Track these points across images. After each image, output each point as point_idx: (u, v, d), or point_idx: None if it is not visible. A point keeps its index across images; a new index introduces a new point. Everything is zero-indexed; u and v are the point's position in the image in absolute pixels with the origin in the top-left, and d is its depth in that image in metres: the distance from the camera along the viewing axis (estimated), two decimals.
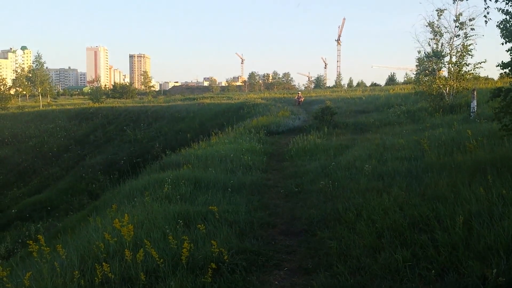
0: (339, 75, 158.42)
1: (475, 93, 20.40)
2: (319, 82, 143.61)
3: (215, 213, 8.76)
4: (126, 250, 6.62)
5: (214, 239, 7.13)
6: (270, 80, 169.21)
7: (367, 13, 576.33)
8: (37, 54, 75.71)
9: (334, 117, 25.16)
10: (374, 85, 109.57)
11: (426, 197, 8.59)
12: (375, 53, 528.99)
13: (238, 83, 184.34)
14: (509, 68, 10.04)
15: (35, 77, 74.44)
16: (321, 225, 8.61)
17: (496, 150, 10.89)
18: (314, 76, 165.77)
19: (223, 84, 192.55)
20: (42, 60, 75.07)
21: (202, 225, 7.83)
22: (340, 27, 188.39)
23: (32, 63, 78.85)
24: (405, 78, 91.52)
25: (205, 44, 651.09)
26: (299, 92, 59.49)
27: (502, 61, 10.18)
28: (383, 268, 6.20)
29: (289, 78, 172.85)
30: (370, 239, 7.15)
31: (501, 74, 24.05)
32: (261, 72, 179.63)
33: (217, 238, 7.47)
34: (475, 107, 20.06)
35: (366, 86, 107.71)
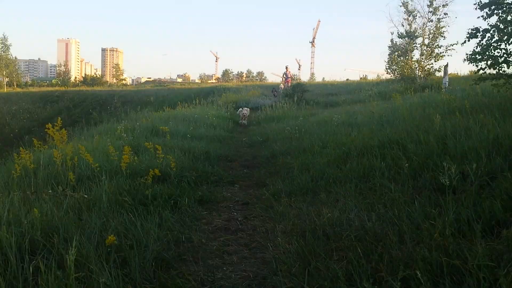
0: (312, 75, 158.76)
1: (447, 68, 20.05)
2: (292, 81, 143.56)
3: (167, 142, 7.94)
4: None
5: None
6: (244, 78, 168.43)
7: (341, 17, 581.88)
8: (2, 36, 72.55)
9: (305, 95, 24.48)
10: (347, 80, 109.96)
11: (397, 128, 7.94)
12: (348, 56, 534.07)
13: (212, 81, 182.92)
14: (474, 59, 9.60)
15: (0, 60, 71.33)
16: (284, 155, 7.88)
17: (469, 98, 10.36)
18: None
19: (197, 81, 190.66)
20: (8, 43, 72.12)
21: (152, 150, 7.00)
22: (315, 29, 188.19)
23: None
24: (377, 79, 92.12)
25: (179, 41, 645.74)
26: (287, 67, 30.58)
27: (467, 53, 9.75)
28: (348, 175, 5.50)
29: (263, 77, 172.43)
30: (335, 153, 6.44)
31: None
32: (235, 71, 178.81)
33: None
34: (447, 82, 19.69)
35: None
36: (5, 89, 69.81)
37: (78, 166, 6.00)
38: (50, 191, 5.04)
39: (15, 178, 5.26)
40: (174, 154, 7.24)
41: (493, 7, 8.99)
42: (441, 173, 4.47)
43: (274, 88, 30.73)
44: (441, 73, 22.38)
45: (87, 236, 3.56)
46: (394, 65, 25.75)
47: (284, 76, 30.64)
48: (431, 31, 24.24)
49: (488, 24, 9.33)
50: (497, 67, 9.32)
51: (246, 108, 18.21)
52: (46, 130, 6.56)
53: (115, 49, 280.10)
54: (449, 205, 3.73)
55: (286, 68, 30.66)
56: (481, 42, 9.43)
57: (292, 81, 29.92)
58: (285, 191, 5.39)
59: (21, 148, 5.95)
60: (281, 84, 31.17)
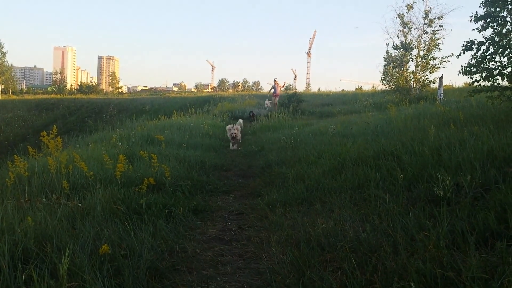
0: (308, 85, 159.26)
1: (442, 80, 20.18)
2: (288, 91, 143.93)
3: (162, 151, 7.93)
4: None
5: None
6: (240, 87, 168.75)
7: (337, 29, 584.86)
8: None
9: (301, 105, 24.56)
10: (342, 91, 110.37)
11: (392, 139, 7.96)
12: (344, 67, 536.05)
13: (208, 90, 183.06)
14: (469, 72, 9.70)
15: None
16: (280, 165, 7.87)
17: (464, 110, 10.42)
18: (283, 86, 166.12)
19: (193, 90, 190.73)
20: (4, 50, 71.95)
21: (147, 158, 6.99)
22: (311, 39, 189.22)
23: None
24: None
25: (176, 50, 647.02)
26: (275, 80, 26.22)
27: (462, 66, 9.84)
28: (343, 185, 5.50)
29: (259, 87, 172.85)
30: (330, 164, 6.45)
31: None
32: (231, 80, 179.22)
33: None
34: (442, 94, 19.81)
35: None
36: (1, 97, 69.63)
37: (73, 174, 5.98)
38: (44, 199, 5.02)
39: (9, 186, 5.24)
40: (169, 163, 7.22)
41: (488, 20, 9.08)
42: (436, 184, 4.50)
43: (251, 111, 22.92)
44: (436, 85, 22.51)
45: (81, 245, 3.54)
46: (389, 76, 25.84)
47: (273, 90, 26.08)
48: (426, 43, 24.40)
49: (483, 36, 9.42)
50: (492, 80, 9.39)
51: (236, 126, 13.09)
52: (41, 138, 6.54)
53: (111, 57, 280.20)
54: (443, 217, 3.74)
55: (275, 81, 26.07)
56: (476, 54, 9.51)
57: (288, 91, 29.66)
58: (280, 201, 5.39)
59: (15, 155, 5.93)
60: (267, 100, 27.29)
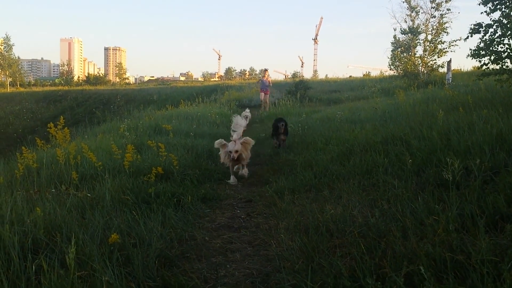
0: (315, 72, 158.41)
1: (450, 64, 20.01)
2: (295, 78, 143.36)
3: (170, 140, 7.94)
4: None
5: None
6: (247, 76, 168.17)
7: (344, 14, 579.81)
8: (5, 36, 72.47)
9: (308, 92, 24.44)
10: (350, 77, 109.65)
11: (401, 124, 7.90)
12: (351, 53, 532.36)
13: (215, 79, 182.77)
14: (477, 55, 9.55)
15: (3, 60, 71.33)
16: (287, 152, 7.86)
17: (473, 94, 10.32)
18: (290, 74, 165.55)
19: (199, 79, 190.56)
20: (11, 43, 72.15)
21: (155, 148, 7.01)
22: (317, 26, 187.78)
23: (0, 45, 75.03)
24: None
25: (182, 40, 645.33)
26: (266, 72, 22.49)
27: (470, 49, 9.68)
28: (352, 171, 5.48)
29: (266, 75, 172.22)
30: (338, 150, 6.42)
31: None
32: (238, 69, 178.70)
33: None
34: (450, 78, 19.64)
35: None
36: (9, 89, 69.94)
37: (81, 165, 6.01)
38: (53, 190, 5.05)
39: (18, 178, 5.28)
40: (177, 152, 7.24)
41: (496, 2, 8.94)
42: (445, 168, 4.45)
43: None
44: (444, 69, 22.32)
45: (90, 235, 3.56)
46: (397, 61, 25.65)
47: (260, 82, 21.45)
48: (434, 27, 24.17)
49: (491, 19, 9.29)
50: (500, 62, 9.28)
51: (239, 132, 7.62)
52: (48, 129, 6.58)
53: (118, 48, 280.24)
54: (452, 201, 3.71)
55: (265, 72, 22.16)
56: (484, 37, 9.38)
57: (295, 78, 29.25)
58: (288, 188, 5.38)
59: (23, 147, 5.96)
60: (262, 94, 20.76)
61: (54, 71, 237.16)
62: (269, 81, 21.43)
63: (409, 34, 24.57)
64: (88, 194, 4.82)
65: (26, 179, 5.53)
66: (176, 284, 3.03)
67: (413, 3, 24.33)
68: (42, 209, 3.86)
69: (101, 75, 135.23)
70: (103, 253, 3.21)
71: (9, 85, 73.66)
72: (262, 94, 20.66)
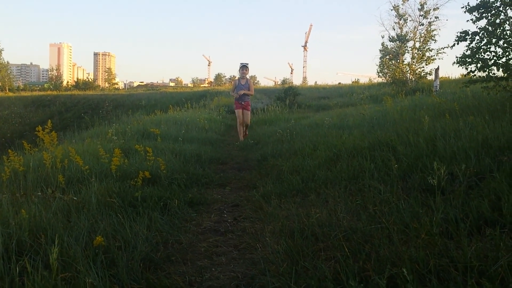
0: (304, 78, 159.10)
1: (438, 72, 20.22)
2: (284, 85, 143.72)
3: (158, 145, 7.92)
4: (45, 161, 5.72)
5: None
6: None
7: (333, 22, 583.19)
8: None
9: (297, 98, 24.56)
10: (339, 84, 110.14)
11: (388, 131, 7.97)
12: (341, 60, 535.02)
13: (205, 85, 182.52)
14: (463, 62, 9.64)
15: None
16: (275, 157, 7.88)
17: (460, 101, 10.44)
18: (280, 80, 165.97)
19: (189, 85, 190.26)
20: (0, 47, 71.58)
21: (142, 152, 6.99)
22: (307, 33, 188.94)
23: None
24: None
25: (172, 46, 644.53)
26: (245, 70, 12.47)
27: (457, 56, 9.76)
28: (338, 176, 5.51)
29: (256, 81, 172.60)
30: (326, 155, 6.46)
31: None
32: (228, 75, 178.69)
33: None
34: (438, 85, 19.85)
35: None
36: None
37: (68, 168, 5.98)
38: (39, 193, 5.01)
39: (4, 181, 5.24)
40: (165, 157, 7.23)
41: (481, 10, 9.07)
42: (430, 174, 4.51)
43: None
44: (432, 76, 22.55)
45: (75, 237, 3.54)
46: (385, 68, 25.89)
47: (236, 87, 12.78)
48: (422, 34, 24.47)
49: (477, 27, 9.41)
50: (487, 70, 9.39)
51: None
52: (36, 132, 6.54)
53: (107, 53, 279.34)
54: (437, 205, 3.75)
55: (244, 70, 12.63)
56: (471, 45, 9.49)
57: (284, 85, 29.59)
58: (275, 193, 5.39)
59: (9, 150, 5.92)
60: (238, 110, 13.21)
61: (43, 76, 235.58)
62: (250, 85, 12.68)
63: (397, 41, 24.85)
64: (74, 198, 4.79)
65: (13, 182, 5.48)
66: (161, 286, 3.02)
67: (401, 11, 24.67)
68: (27, 212, 3.84)
69: (90, 80, 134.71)
70: (88, 255, 3.20)
71: None
72: (240, 109, 12.52)
